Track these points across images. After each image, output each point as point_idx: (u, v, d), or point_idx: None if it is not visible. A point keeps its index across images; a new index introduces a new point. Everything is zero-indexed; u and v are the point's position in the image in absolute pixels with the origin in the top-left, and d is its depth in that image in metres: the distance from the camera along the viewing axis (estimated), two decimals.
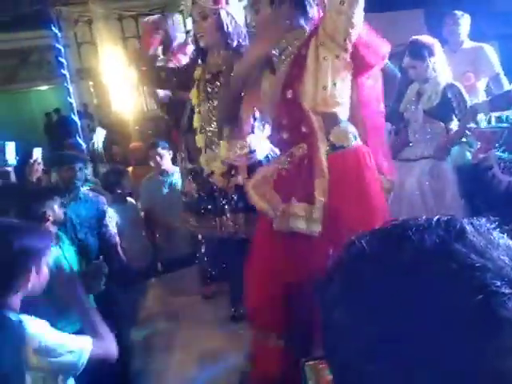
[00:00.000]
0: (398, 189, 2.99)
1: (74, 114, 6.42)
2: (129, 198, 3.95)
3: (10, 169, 3.42)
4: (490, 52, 4.05)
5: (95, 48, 11.75)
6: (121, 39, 11.72)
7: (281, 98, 1.89)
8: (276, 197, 1.97)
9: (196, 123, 2.48)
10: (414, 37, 3.40)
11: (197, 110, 2.44)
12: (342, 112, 1.90)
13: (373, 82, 1.98)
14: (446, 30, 4.03)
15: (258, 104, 2.11)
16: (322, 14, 1.85)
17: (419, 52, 3.26)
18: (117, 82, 10.55)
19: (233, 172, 2.41)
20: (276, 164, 2.06)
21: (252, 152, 2.38)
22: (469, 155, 3.49)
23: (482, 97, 4.04)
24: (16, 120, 12.10)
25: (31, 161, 3.29)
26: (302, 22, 1.89)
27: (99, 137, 3.90)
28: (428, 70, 3.27)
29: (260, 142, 2.37)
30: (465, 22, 4.01)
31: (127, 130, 8.31)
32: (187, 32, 3.18)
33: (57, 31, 6.59)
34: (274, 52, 1.94)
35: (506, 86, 3.94)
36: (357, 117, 1.96)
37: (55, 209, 2.42)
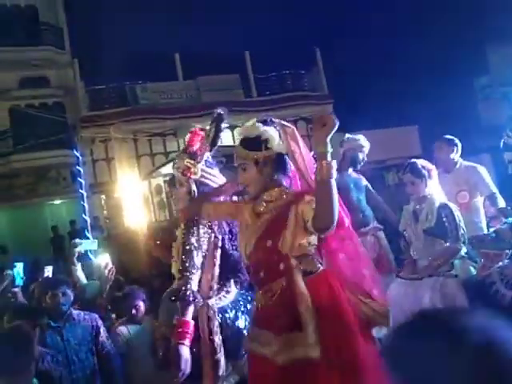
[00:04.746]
0: (413, 306, 3.04)
1: (87, 230, 6.68)
2: (146, 317, 3.74)
3: (17, 289, 3.56)
4: (484, 172, 4.22)
5: (109, 164, 12.38)
6: (134, 157, 12.40)
7: (258, 244, 2.11)
8: (268, 334, 2.06)
9: None
10: (413, 159, 3.65)
11: None
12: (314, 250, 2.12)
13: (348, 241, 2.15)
14: (437, 156, 4.20)
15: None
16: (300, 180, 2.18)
17: (418, 171, 3.48)
18: (128, 196, 10.99)
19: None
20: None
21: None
22: (472, 270, 3.58)
23: (482, 213, 4.17)
24: (30, 232, 12.38)
25: (41, 280, 3.42)
26: (282, 180, 2.20)
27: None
28: (425, 188, 3.48)
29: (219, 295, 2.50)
30: (455, 148, 4.19)
31: (135, 240, 8.46)
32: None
33: (78, 154, 7.08)
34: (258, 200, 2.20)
35: (502, 205, 4.09)
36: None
37: None
